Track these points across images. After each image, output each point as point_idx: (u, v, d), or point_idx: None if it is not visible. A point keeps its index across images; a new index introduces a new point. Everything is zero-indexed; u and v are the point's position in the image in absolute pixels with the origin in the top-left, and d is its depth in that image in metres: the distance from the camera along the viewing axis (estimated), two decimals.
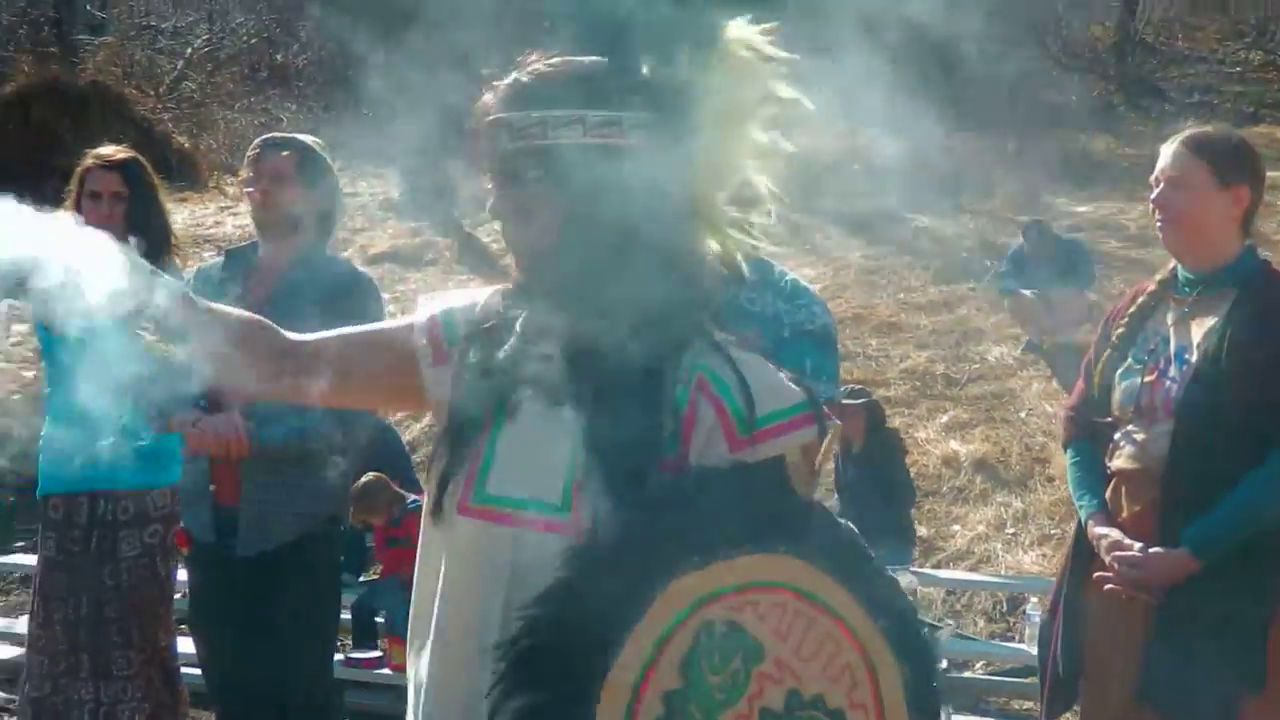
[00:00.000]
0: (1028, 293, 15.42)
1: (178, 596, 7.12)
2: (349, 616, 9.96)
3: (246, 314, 3.16)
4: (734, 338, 2.72)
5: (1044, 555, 11.87)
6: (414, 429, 14.77)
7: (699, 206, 2.72)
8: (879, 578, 2.66)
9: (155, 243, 6.72)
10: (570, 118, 2.64)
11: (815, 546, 2.54)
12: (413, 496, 10.65)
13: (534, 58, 2.74)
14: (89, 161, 6.70)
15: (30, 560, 7.06)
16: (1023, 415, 14.27)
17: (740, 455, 2.59)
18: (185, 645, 6.89)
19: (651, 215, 2.59)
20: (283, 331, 3.10)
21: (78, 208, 6.70)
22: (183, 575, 6.74)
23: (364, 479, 10.51)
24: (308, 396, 3.09)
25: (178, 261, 6.90)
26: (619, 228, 2.59)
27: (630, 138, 2.64)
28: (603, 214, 2.59)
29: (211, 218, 22.11)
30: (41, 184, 18.46)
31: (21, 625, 7.13)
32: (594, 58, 2.73)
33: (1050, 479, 12.82)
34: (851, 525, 2.64)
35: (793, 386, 2.67)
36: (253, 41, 31.55)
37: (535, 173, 2.68)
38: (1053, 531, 12.12)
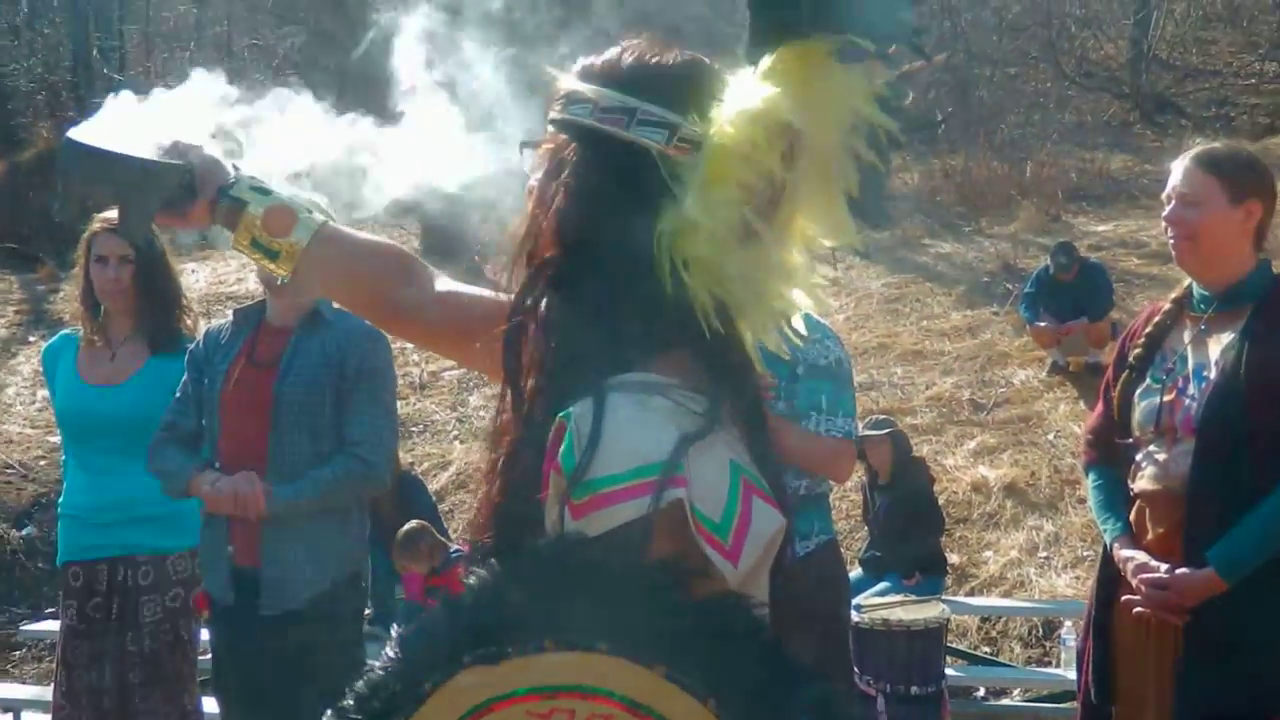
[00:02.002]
0: (1045, 324, 15.33)
1: (202, 657, 7.10)
2: None
3: (388, 242, 2.98)
4: (653, 379, 2.23)
5: (1078, 578, 11.83)
6: (440, 479, 14.76)
7: (691, 247, 2.25)
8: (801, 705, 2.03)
9: (164, 303, 6.74)
10: (588, 94, 2.37)
11: (670, 649, 1.98)
12: (454, 546, 10.67)
13: (636, 41, 2.44)
14: (95, 226, 6.71)
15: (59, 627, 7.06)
16: (1051, 438, 14.23)
17: (580, 524, 2.09)
18: (210, 706, 6.85)
19: (615, 231, 2.28)
20: (425, 266, 2.92)
21: (86, 272, 6.72)
22: (206, 636, 6.72)
23: (407, 526, 10.62)
24: (412, 336, 3.06)
25: (188, 321, 6.91)
26: (574, 232, 2.33)
27: (634, 133, 2.31)
28: (565, 210, 2.33)
29: (234, 275, 22.19)
30: (65, 249, 18.61)
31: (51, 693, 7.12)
32: (691, 55, 2.43)
33: (1081, 500, 12.76)
34: (776, 639, 2.08)
35: (655, 445, 2.12)
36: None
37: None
38: (1086, 554, 12.08)
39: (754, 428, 2.37)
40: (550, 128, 2.45)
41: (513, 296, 2.41)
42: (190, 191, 2.80)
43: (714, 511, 2.13)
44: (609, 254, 2.29)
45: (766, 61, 2.30)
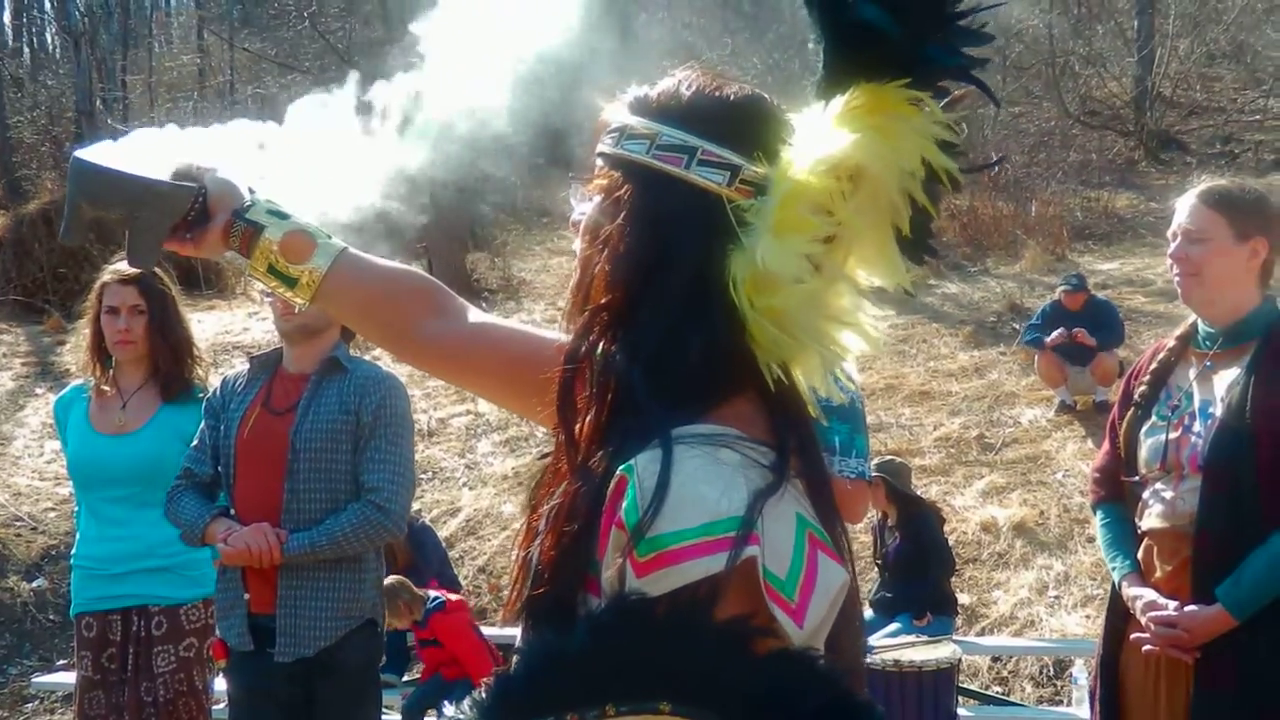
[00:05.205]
0: (1057, 333, 15.25)
1: (218, 706, 7.11)
2: (395, 718, 9.99)
3: (414, 270, 2.86)
4: (719, 430, 2.11)
5: (1088, 617, 11.81)
6: (450, 525, 14.75)
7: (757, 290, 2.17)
8: None
9: (176, 352, 6.76)
10: (646, 130, 2.27)
11: (737, 706, 1.91)
12: (433, 594, 10.69)
13: (692, 73, 2.34)
14: (106, 277, 6.76)
15: (72, 679, 7.07)
16: (1059, 477, 14.22)
17: (643, 582, 1.99)
18: None
19: (675, 276, 2.20)
20: (454, 297, 2.81)
21: (96, 322, 6.74)
22: (221, 685, 6.73)
23: (384, 582, 10.68)
24: (439, 370, 2.94)
25: (199, 370, 6.94)
26: (631, 276, 2.23)
27: (694, 173, 2.22)
28: (621, 254, 2.24)
29: (240, 324, 22.21)
30: (71, 301, 18.43)
31: None
32: (751, 91, 2.35)
33: (1091, 539, 12.74)
34: (847, 693, 2.01)
35: (725, 501, 2.01)
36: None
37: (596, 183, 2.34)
38: (1095, 592, 12.06)
39: (816, 480, 2.23)
40: (600, 162, 2.35)
41: (567, 338, 2.31)
42: (203, 215, 2.72)
43: (780, 568, 2.04)
44: (669, 299, 2.20)
45: (839, 102, 2.21)
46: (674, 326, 2.19)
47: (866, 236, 2.27)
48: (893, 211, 2.25)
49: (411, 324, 2.75)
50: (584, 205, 2.39)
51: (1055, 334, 15.30)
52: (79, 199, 2.73)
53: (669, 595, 1.97)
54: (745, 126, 2.27)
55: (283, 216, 2.73)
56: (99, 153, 2.73)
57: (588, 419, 2.22)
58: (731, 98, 2.30)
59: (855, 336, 2.30)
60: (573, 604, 2.11)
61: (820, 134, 2.21)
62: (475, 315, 2.78)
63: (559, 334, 2.47)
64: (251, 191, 2.76)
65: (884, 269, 2.31)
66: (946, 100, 2.27)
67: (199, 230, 2.74)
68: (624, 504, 2.02)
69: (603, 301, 2.26)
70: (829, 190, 2.17)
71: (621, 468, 2.06)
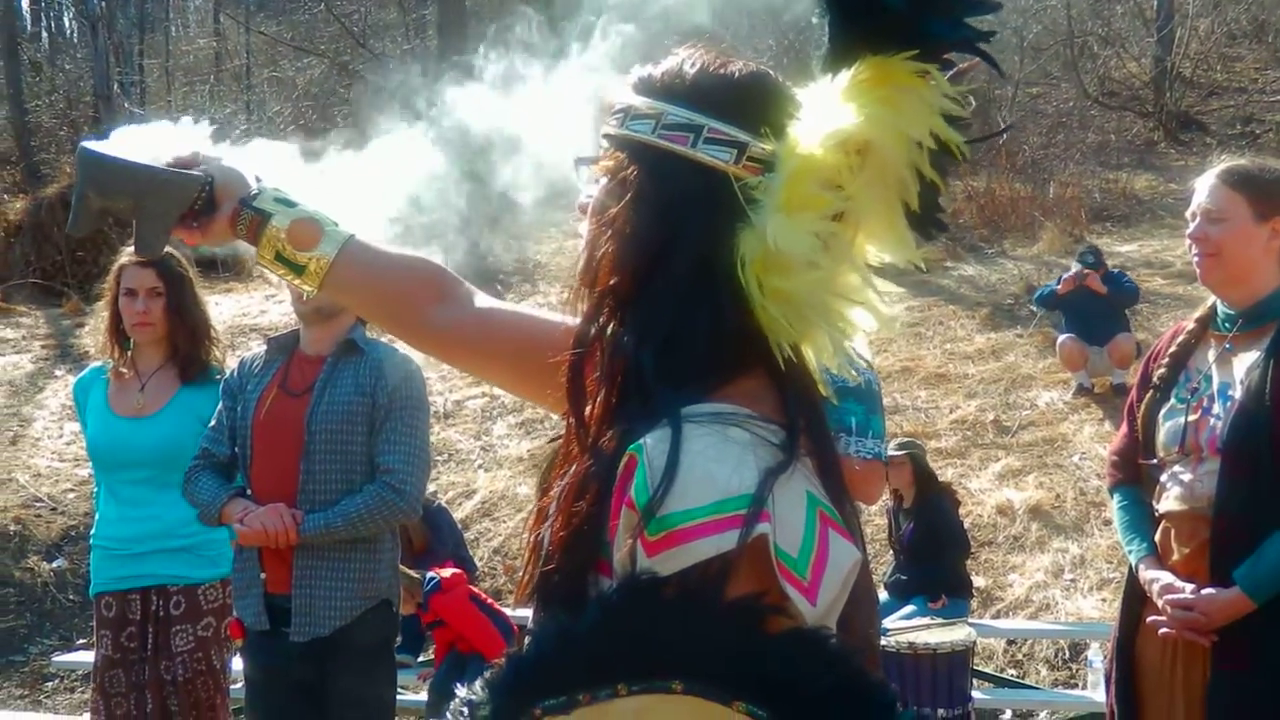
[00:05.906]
0: (1062, 283, 15.21)
1: (235, 685, 7.13)
2: (410, 697, 10.01)
3: (420, 256, 2.82)
4: (728, 409, 2.11)
5: (1104, 600, 11.79)
6: (466, 507, 14.76)
7: (766, 269, 2.16)
8: None
9: (194, 334, 6.78)
10: (651, 109, 2.26)
11: (749, 684, 1.90)
12: (430, 575, 10.67)
13: (696, 51, 2.33)
14: (124, 259, 6.77)
15: (92, 658, 7.09)
16: (1076, 460, 14.19)
17: (654, 561, 1.97)
18: None
19: (683, 256, 2.20)
20: (461, 282, 2.78)
21: (115, 305, 6.75)
22: (238, 664, 6.75)
23: None
24: (446, 356, 2.91)
25: (217, 352, 6.95)
26: (639, 258, 2.23)
27: (700, 151, 2.21)
28: (628, 236, 2.24)
29: (257, 306, 22.23)
30: (89, 283, 18.47)
31: None
32: (759, 67, 2.33)
33: (1107, 522, 12.71)
34: (859, 671, 1.99)
35: (736, 479, 1.99)
36: (290, 130, 31.69)
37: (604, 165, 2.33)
38: (1112, 575, 12.04)
39: (826, 458, 2.22)
40: (605, 144, 2.34)
41: (575, 321, 2.32)
42: (210, 204, 2.72)
43: (792, 546, 2.02)
44: (676, 279, 2.20)
45: (846, 76, 2.20)
46: (682, 307, 2.19)
47: (875, 212, 2.26)
48: (901, 186, 2.24)
49: (418, 311, 2.74)
50: (591, 187, 2.38)
51: (1068, 275, 15.30)
52: (86, 189, 2.73)
53: (680, 574, 1.96)
54: (751, 103, 2.26)
55: (290, 204, 2.72)
56: (107, 143, 2.74)
57: (597, 401, 2.23)
58: (736, 75, 2.29)
59: (865, 314, 2.29)
60: (584, 585, 2.11)
61: (827, 108, 2.20)
62: (483, 300, 2.77)
63: (567, 318, 2.44)
64: (258, 180, 2.76)
65: (893, 244, 2.31)
66: (953, 72, 2.25)
67: (206, 219, 2.74)
68: (634, 484, 2.01)
69: (610, 284, 2.25)
70: (838, 165, 2.16)
71: (630, 447, 2.05)
